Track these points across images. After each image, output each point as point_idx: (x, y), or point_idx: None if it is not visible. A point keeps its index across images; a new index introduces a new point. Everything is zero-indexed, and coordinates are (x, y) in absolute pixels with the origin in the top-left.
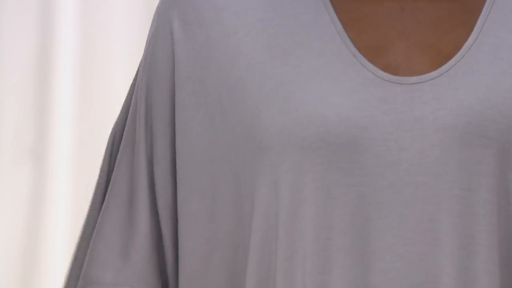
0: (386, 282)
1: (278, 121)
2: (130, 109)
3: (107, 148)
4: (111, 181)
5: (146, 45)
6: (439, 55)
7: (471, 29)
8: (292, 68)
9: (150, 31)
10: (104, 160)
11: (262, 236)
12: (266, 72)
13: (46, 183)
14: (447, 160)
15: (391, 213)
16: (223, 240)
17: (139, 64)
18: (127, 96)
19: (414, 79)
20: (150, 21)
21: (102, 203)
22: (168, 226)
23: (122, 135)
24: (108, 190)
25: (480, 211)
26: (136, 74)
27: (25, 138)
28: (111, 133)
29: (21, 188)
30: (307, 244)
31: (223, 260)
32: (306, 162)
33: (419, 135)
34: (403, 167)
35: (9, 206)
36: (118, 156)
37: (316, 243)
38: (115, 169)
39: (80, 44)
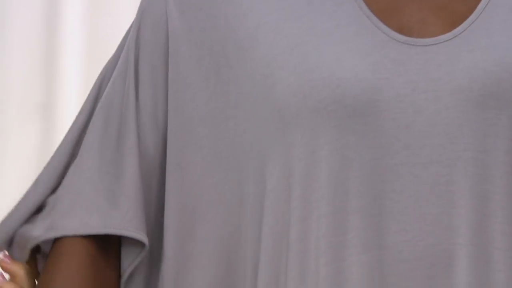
0: (401, 243)
1: (293, 83)
2: (122, 53)
3: (93, 89)
4: (100, 120)
5: None
6: (453, 16)
7: None
8: (306, 29)
9: None
10: (87, 101)
11: (277, 197)
12: (279, 32)
13: (54, 138)
14: (462, 122)
15: (406, 175)
16: (221, 195)
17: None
18: (121, 40)
19: (428, 40)
20: None
21: (76, 140)
22: (153, 178)
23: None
24: (95, 128)
25: (495, 172)
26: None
27: (34, 93)
28: (99, 75)
29: (30, 142)
30: (322, 205)
31: (220, 216)
32: (322, 124)
33: (434, 97)
34: (418, 129)
35: (19, 160)
36: (107, 98)
37: (331, 205)
38: (103, 109)
39: None
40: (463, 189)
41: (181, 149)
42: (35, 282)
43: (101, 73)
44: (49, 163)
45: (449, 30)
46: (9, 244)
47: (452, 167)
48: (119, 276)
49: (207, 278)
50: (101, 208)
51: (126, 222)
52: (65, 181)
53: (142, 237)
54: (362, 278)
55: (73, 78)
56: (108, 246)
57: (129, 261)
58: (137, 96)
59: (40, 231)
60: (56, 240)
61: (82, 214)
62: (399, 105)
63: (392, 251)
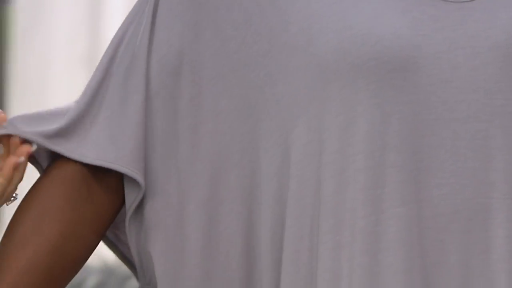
0: (438, 197)
1: (333, 40)
2: None
3: (119, 30)
4: (115, 58)
5: None
6: None
7: None
8: None
9: None
10: (111, 44)
11: (307, 151)
12: None
13: None
14: (499, 78)
15: (444, 130)
16: (252, 143)
17: None
18: None
19: None
20: None
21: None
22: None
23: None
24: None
25: None
26: None
27: (78, 45)
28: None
29: (75, 93)
30: (360, 159)
31: (251, 164)
32: (361, 80)
33: (471, 53)
34: (455, 85)
35: None
36: (125, 38)
37: (369, 159)
38: (120, 48)
39: None
40: (500, 144)
41: (214, 97)
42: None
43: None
44: (72, 106)
45: None
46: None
47: (489, 123)
48: (112, 212)
49: (239, 224)
50: (98, 141)
51: (121, 157)
52: (72, 112)
53: (136, 175)
54: (400, 231)
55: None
56: (106, 181)
57: (131, 200)
58: (151, 38)
59: (39, 138)
60: (54, 161)
61: (79, 142)
62: (437, 62)
63: (430, 204)
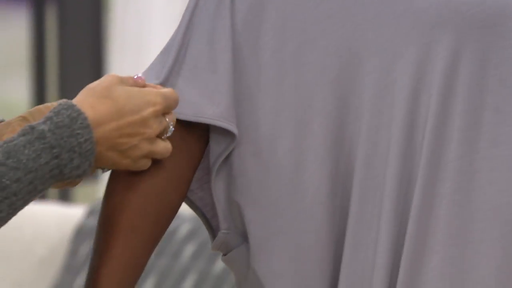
0: None
1: None
2: None
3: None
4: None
5: None
6: None
7: None
8: None
9: None
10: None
11: (408, 92)
12: None
13: None
14: None
15: None
16: (336, 91)
17: None
18: None
19: None
20: None
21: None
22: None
23: None
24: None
25: None
26: None
27: (176, 5)
28: None
29: None
30: (460, 102)
31: (336, 111)
32: (465, 25)
33: None
34: None
35: None
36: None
37: (468, 102)
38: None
39: None
40: None
41: (297, 50)
42: None
43: None
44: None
45: None
46: None
47: None
48: (199, 161)
49: (324, 171)
50: (193, 99)
51: (218, 113)
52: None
53: (234, 128)
54: (493, 171)
55: None
56: (193, 133)
57: (219, 152)
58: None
59: None
60: None
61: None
62: None
63: None
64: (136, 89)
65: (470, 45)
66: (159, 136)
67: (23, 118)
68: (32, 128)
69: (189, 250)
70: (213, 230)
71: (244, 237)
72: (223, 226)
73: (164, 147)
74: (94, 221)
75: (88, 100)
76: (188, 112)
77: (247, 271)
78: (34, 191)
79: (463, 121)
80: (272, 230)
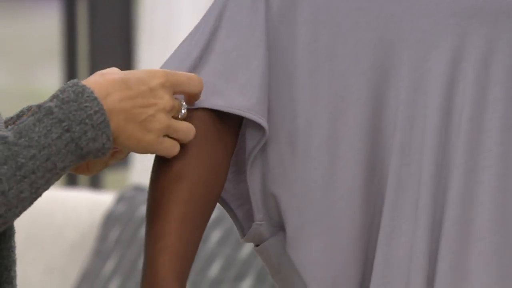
0: None
1: None
2: None
3: None
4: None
5: None
6: None
7: None
8: None
9: None
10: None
11: (442, 80)
12: None
13: None
14: None
15: None
16: (370, 82)
17: None
18: None
19: None
20: None
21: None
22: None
23: None
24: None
25: None
26: None
27: None
28: None
29: None
30: (497, 91)
31: (369, 102)
32: (501, 16)
33: None
34: None
35: None
36: None
37: (505, 89)
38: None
39: None
40: None
41: (329, 42)
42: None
43: None
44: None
45: None
46: None
47: None
48: (232, 152)
49: (358, 160)
50: (226, 91)
51: (250, 106)
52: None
53: (263, 121)
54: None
55: None
56: (228, 124)
57: (253, 145)
58: None
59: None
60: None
61: (208, 95)
62: None
63: None
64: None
65: (505, 34)
66: (174, 115)
67: None
68: (39, 106)
69: (215, 236)
70: (238, 221)
71: (278, 228)
72: (257, 217)
73: (186, 126)
74: (123, 208)
75: (93, 77)
76: (221, 103)
77: (281, 262)
78: (54, 169)
79: (502, 108)
80: (307, 218)
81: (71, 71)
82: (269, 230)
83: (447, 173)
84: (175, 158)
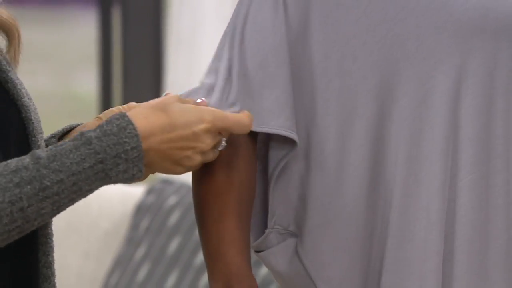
0: None
1: (472, 0)
2: None
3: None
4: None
5: None
6: None
7: None
8: None
9: None
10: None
11: (449, 94)
12: None
13: None
14: None
15: None
16: (382, 75)
17: None
18: None
19: None
20: None
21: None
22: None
23: None
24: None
25: None
26: None
27: (227, 6)
28: None
29: None
30: (502, 101)
31: (375, 107)
32: (502, 32)
33: None
34: None
35: None
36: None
37: (507, 101)
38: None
39: None
40: None
41: (339, 60)
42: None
43: None
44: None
45: None
46: None
47: None
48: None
49: (364, 168)
50: (258, 110)
51: (280, 124)
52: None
53: (295, 136)
54: None
55: None
56: (254, 141)
57: (280, 157)
58: (286, 10)
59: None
60: None
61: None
62: None
63: None
64: (191, 106)
65: (506, 50)
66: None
67: (98, 119)
68: (81, 134)
69: None
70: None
71: (286, 235)
72: (269, 224)
73: (213, 156)
74: (152, 199)
75: (143, 111)
76: (255, 123)
77: (289, 266)
78: (79, 191)
79: (506, 118)
80: (319, 222)
81: (106, 74)
82: (277, 237)
83: (455, 179)
84: (223, 164)
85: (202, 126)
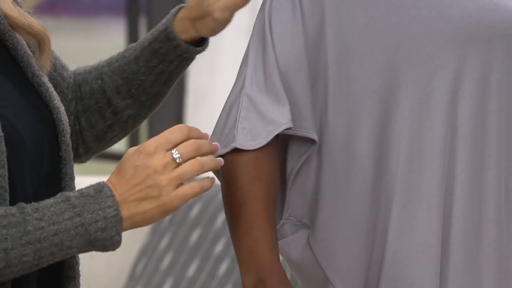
0: None
1: (468, 7)
2: None
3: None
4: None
5: None
6: None
7: None
8: None
9: None
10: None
11: (445, 98)
12: None
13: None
14: None
15: None
16: (384, 76)
17: None
18: None
19: None
20: None
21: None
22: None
23: None
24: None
25: None
26: None
27: (243, 18)
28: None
29: (239, 59)
30: (495, 104)
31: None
32: (496, 39)
33: None
34: None
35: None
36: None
37: (500, 102)
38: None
39: None
40: None
41: (346, 65)
42: None
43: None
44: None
45: None
46: None
47: None
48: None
49: (369, 163)
50: (274, 115)
51: (307, 126)
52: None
53: (315, 136)
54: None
55: None
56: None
57: (302, 153)
58: (303, 18)
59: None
60: None
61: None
62: None
63: None
64: (133, 150)
65: (500, 55)
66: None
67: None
68: (62, 193)
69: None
70: None
71: (299, 226)
72: (284, 215)
73: (190, 164)
74: None
75: (110, 180)
76: (270, 128)
77: (302, 256)
78: (61, 245)
79: (499, 118)
80: (330, 214)
81: None
82: (291, 228)
83: (453, 175)
84: (250, 164)
85: (139, 156)
